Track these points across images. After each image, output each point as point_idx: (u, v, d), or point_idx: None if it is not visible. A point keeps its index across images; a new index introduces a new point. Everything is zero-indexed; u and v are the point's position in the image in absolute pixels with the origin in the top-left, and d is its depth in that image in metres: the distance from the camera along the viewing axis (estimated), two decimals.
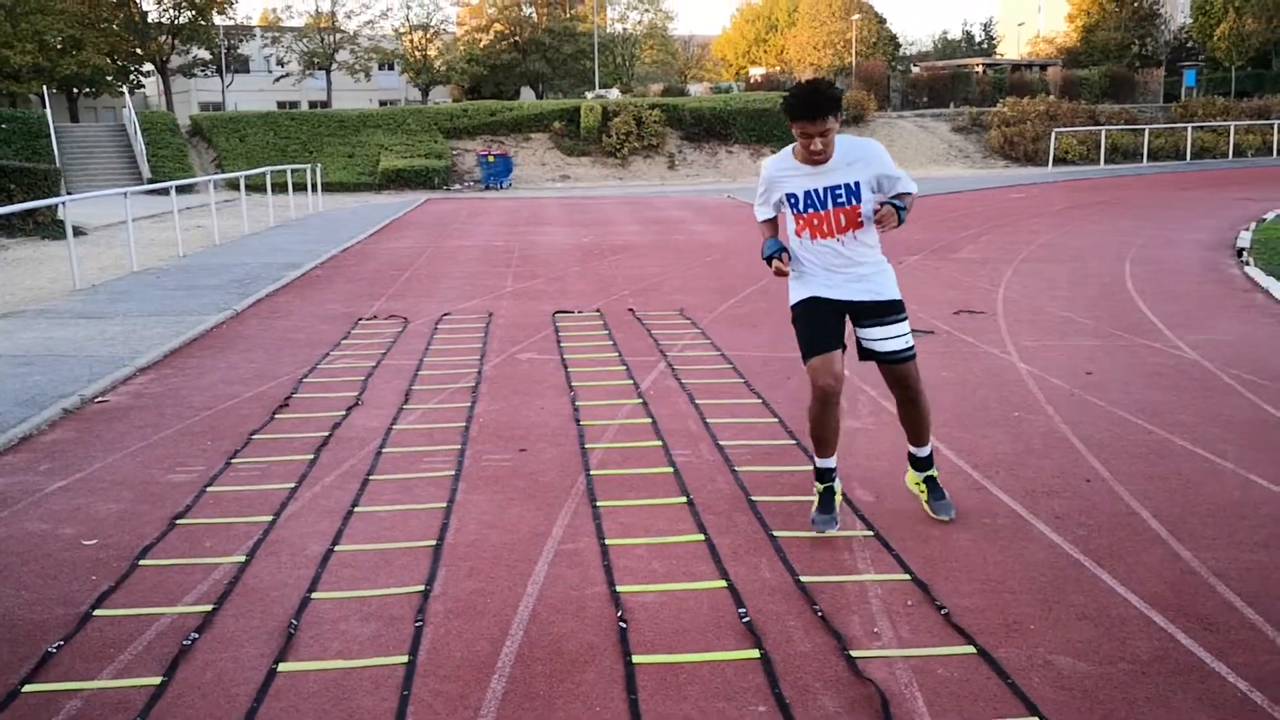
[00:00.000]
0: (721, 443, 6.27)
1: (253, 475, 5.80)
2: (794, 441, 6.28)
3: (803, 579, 4.37)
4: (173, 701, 3.48)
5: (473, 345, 9.28)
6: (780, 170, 4.72)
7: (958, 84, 51.14)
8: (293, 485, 5.60)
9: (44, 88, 40.46)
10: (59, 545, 4.84)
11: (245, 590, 4.34)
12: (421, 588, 4.32)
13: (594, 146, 40.74)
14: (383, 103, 62.51)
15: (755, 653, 3.76)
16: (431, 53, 60.43)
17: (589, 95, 48.12)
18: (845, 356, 4.75)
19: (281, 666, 3.70)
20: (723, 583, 4.35)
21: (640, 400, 7.28)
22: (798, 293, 4.83)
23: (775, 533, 4.86)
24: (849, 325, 4.81)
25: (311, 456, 6.10)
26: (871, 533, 4.86)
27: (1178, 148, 41.24)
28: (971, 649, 3.76)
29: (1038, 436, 6.34)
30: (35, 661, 3.75)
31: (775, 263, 4.71)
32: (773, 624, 3.99)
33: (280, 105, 62.17)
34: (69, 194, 21.17)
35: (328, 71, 59.24)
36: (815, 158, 4.52)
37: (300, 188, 26.66)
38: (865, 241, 4.71)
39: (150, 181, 30.57)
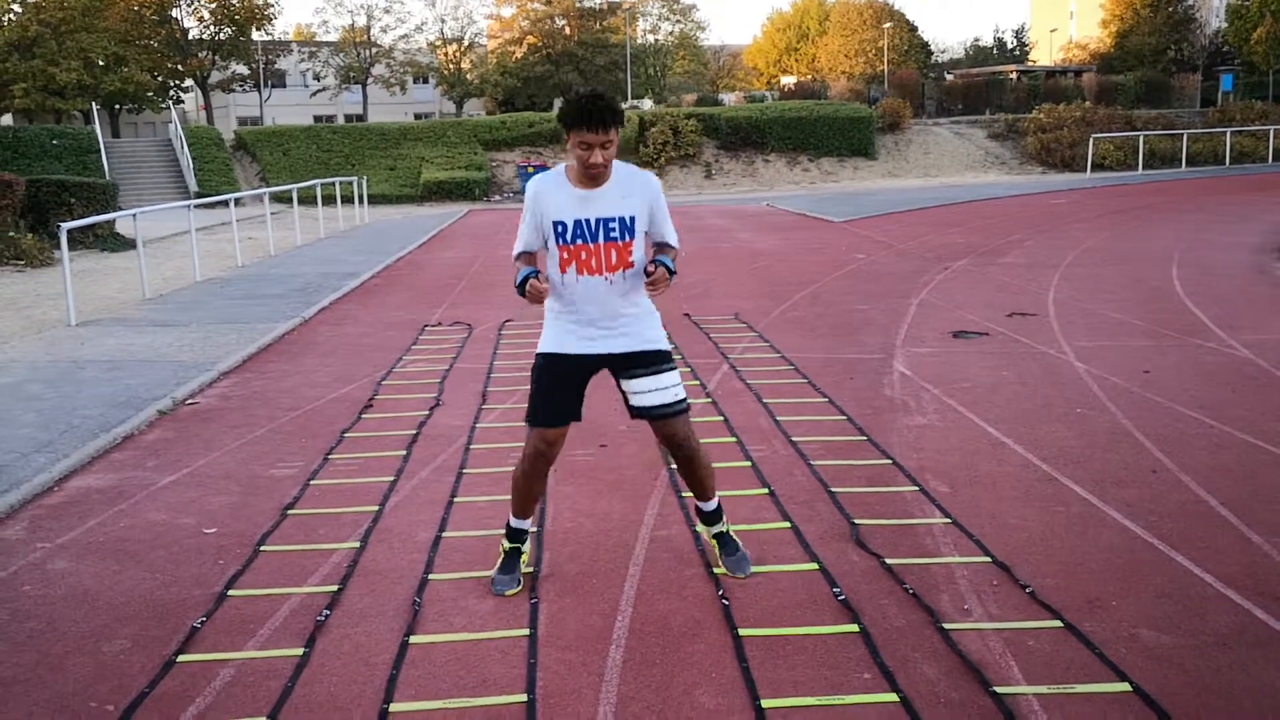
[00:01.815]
0: (794, 439, 6.50)
1: (351, 469, 6.10)
2: (865, 438, 6.50)
3: (889, 562, 4.60)
4: (317, 670, 3.76)
5: None
6: (550, 191, 4.20)
7: (992, 91, 51.19)
8: (391, 479, 5.89)
9: (91, 104, 41.16)
10: (182, 533, 5.14)
11: (365, 572, 4.62)
12: (530, 569, 4.58)
13: (631, 157, 41.00)
14: (418, 115, 63.14)
15: (854, 627, 3.99)
16: (465, 66, 61.09)
17: (623, 106, 48.53)
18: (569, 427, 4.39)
19: (412, 639, 3.97)
20: (814, 565, 4.59)
21: (709, 399, 7.53)
22: (546, 341, 4.37)
23: (856, 521, 5.09)
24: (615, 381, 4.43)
25: (404, 452, 6.39)
26: (949, 520, 5.09)
27: (1216, 153, 41.14)
28: (1059, 623, 3.99)
29: (1102, 432, 6.54)
30: (184, 635, 4.04)
31: (531, 281, 4.08)
32: (867, 602, 4.22)
33: (317, 119, 62.94)
34: (121, 208, 21.67)
35: (364, 85, 60.00)
36: (594, 172, 4.05)
37: (346, 200, 27.09)
38: (634, 284, 4.25)
39: (197, 195, 31.11)
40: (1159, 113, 46.01)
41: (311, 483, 5.88)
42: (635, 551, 4.79)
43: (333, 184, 25.81)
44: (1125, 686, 3.52)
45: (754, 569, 4.54)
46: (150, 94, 49.40)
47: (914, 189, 34.25)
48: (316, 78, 62.30)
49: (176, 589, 4.49)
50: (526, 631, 4.00)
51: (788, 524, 5.09)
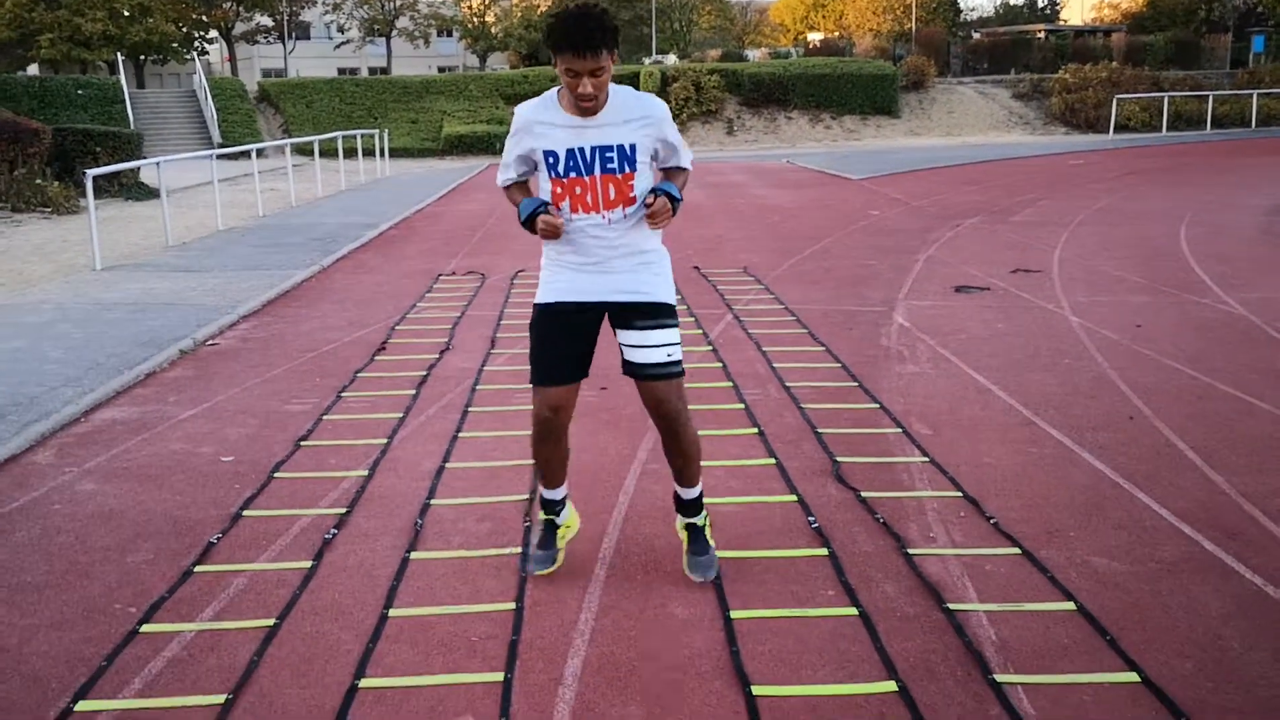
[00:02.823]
0: (788, 384, 6.76)
1: (363, 406, 6.40)
2: (856, 383, 6.75)
3: (864, 495, 4.87)
4: (324, 580, 4.06)
5: None
6: (538, 118, 3.77)
7: (1019, 50, 50.78)
8: (400, 415, 6.19)
9: (116, 55, 41.45)
10: (201, 461, 5.46)
11: (371, 498, 4.92)
12: (525, 496, 4.88)
13: None
14: (441, 69, 63.16)
15: (824, 551, 4.27)
16: (489, 19, 60.96)
17: (647, 61, 48.43)
18: (578, 387, 4.05)
19: (413, 555, 4.27)
20: (793, 497, 4.86)
21: (711, 347, 7.78)
22: (543, 291, 3.96)
23: (839, 459, 5.35)
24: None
25: (413, 392, 6.68)
26: (928, 459, 5.35)
27: (1243, 114, 40.81)
28: (1017, 550, 4.25)
29: (1086, 381, 6.77)
30: (201, 549, 4.36)
31: (543, 217, 3.73)
32: (839, 530, 4.49)
33: (341, 72, 63.09)
34: (145, 158, 21.98)
35: (388, 38, 60.03)
36: (584, 104, 3.60)
37: (368, 153, 27.32)
38: (636, 223, 3.85)
39: (221, 146, 31.40)
40: (1187, 74, 45.60)
41: (325, 417, 6.18)
42: (626, 482, 5.08)
43: (354, 136, 26.04)
44: (1070, 606, 3.79)
45: (737, 500, 4.81)
46: (175, 45, 49.65)
47: (935, 148, 34.22)
48: (340, 30, 62.33)
49: (195, 509, 4.80)
50: (519, 549, 4.30)
51: (773, 460, 5.36)
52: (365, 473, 5.24)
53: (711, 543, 4.10)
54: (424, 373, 7.14)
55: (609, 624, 3.70)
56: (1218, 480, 4.99)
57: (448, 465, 5.34)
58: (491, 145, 36.25)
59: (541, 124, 3.75)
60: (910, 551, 4.25)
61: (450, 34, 65.21)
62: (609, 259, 3.85)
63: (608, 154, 3.73)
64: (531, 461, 5.25)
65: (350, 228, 15.02)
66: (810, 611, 3.78)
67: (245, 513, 4.74)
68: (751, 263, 11.73)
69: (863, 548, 4.31)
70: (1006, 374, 6.93)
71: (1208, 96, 40.60)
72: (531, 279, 10.74)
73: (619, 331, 3.96)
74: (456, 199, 20.42)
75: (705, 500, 4.68)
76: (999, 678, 3.32)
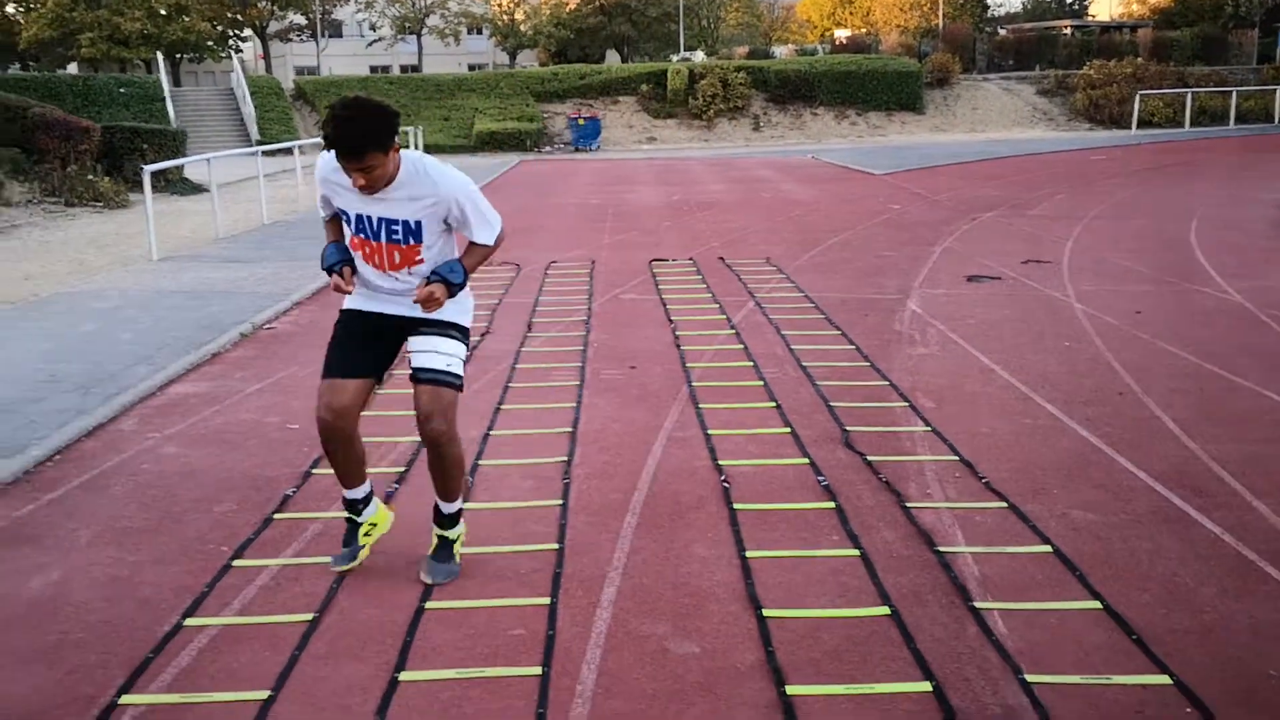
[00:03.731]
0: (805, 364, 7.27)
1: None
2: (868, 363, 7.26)
3: (870, 458, 5.38)
4: (390, 529, 4.62)
5: (580, 287, 10.36)
6: (333, 177, 3.86)
7: (1044, 46, 50.91)
8: None
9: (156, 54, 42.31)
10: (270, 428, 6.04)
11: (426, 459, 5.47)
12: (564, 459, 5.42)
13: (680, 109, 41.55)
14: (471, 67, 63.80)
15: (831, 504, 4.79)
16: (519, 17, 61.54)
17: (674, 58, 48.92)
18: (372, 390, 4.16)
19: (466, 506, 4.80)
20: (805, 460, 5.38)
21: (733, 331, 8.31)
22: (347, 301, 4.12)
23: (848, 428, 5.87)
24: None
25: None
26: (929, 428, 5.86)
27: (1268, 110, 40.86)
28: (1004, 504, 4.77)
29: (1083, 361, 7.25)
30: (279, 501, 4.93)
31: (334, 277, 3.91)
32: (846, 487, 5.01)
33: (372, 69, 63.92)
34: (188, 154, 22.67)
35: (418, 36, 60.72)
36: (364, 192, 3.73)
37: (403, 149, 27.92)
38: (426, 275, 3.94)
39: (259, 143, 32.11)
40: (1213, 69, 45.63)
41: (377, 391, 6.73)
42: (654, 447, 5.61)
43: None
44: (1047, 549, 4.30)
45: (754, 462, 5.33)
46: (211, 43, 50.52)
47: (958, 143, 34.56)
48: (373, 28, 63.09)
49: (270, 468, 5.37)
50: (559, 502, 4.84)
51: (788, 429, 5.88)
52: (419, 438, 5.78)
53: (457, 558, 4.17)
54: (466, 354, 7.69)
55: (639, 561, 4.24)
56: (1193, 447, 5.48)
57: (492, 433, 5.89)
58: (522, 142, 36.84)
59: (333, 182, 3.86)
60: (908, 505, 4.77)
61: (480, 31, 65.81)
62: (403, 298, 4.00)
63: (393, 226, 3.83)
64: (569, 429, 5.85)
65: None
66: (816, 552, 4.30)
67: (314, 471, 5.31)
68: (774, 254, 12.23)
69: (866, 502, 4.83)
70: (1009, 355, 7.42)
71: (1231, 92, 40.69)
72: (561, 269, 11.31)
73: (410, 339, 4.05)
74: (489, 194, 20.63)
75: (723, 462, 5.25)
76: (978, 604, 3.84)
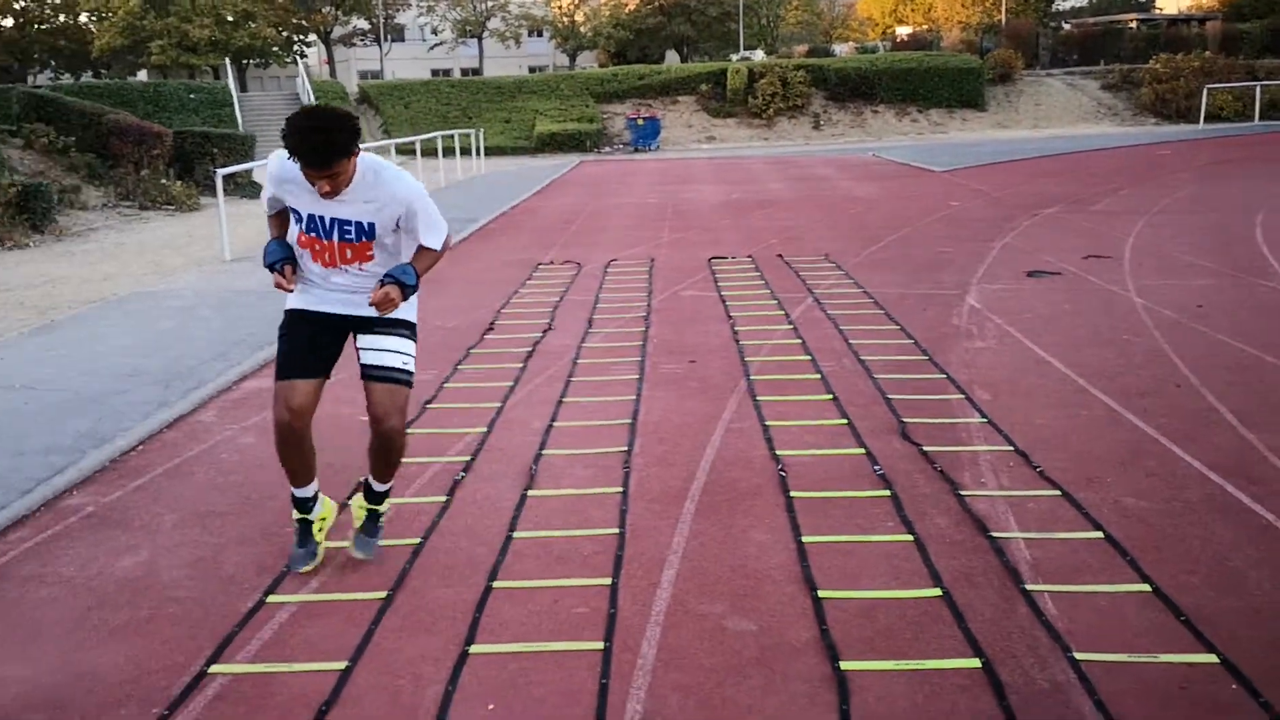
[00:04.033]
0: (862, 357, 7.36)
1: (478, 376, 7.16)
2: (925, 357, 7.33)
3: (925, 448, 5.48)
4: (457, 510, 4.81)
5: (640, 284, 10.52)
6: (288, 176, 3.90)
7: (1110, 41, 50.29)
8: (511, 384, 6.94)
9: (225, 60, 43.18)
10: (342, 419, 6.25)
11: (492, 449, 5.67)
12: (625, 448, 5.58)
13: (739, 108, 41.63)
14: (532, 69, 64.33)
15: (886, 492, 4.90)
16: (579, 19, 61.91)
17: (734, 57, 48.97)
18: (320, 387, 4.19)
19: (530, 493, 5.00)
20: (862, 450, 5.49)
21: (791, 326, 8.42)
22: (292, 299, 4.15)
23: (905, 419, 5.97)
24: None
25: (521, 365, 7.43)
26: (985, 420, 5.93)
27: None
28: (1058, 492, 4.85)
29: (1140, 354, 7.27)
30: (353, 487, 5.10)
31: (276, 275, 3.98)
32: (901, 477, 5.12)
33: (434, 73, 64.55)
34: (257, 158, 23.19)
35: (479, 39, 61.36)
36: (325, 198, 3.82)
37: (465, 152, 28.32)
38: (376, 272, 4.04)
39: None
40: None
41: (445, 385, 6.96)
42: (713, 438, 5.75)
43: (452, 136, 27.06)
44: (1099, 535, 4.38)
45: (811, 452, 5.45)
46: (276, 49, 51.44)
47: (1020, 140, 34.28)
48: (434, 31, 63.82)
49: (344, 456, 5.57)
50: (620, 489, 5.00)
51: (845, 421, 5.99)
52: (484, 429, 5.99)
53: (381, 528, 4.35)
54: (529, 349, 7.89)
55: (698, 545, 4.38)
56: (1250, 437, 5.51)
57: (555, 424, 6.07)
58: (582, 144, 37.15)
59: (290, 183, 3.91)
60: (962, 493, 4.87)
61: (541, 34, 66.33)
62: (350, 296, 4.08)
63: (346, 226, 3.91)
64: (628, 421, 6.01)
65: (454, 223, 15.75)
66: (871, 537, 4.42)
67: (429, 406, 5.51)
68: (833, 250, 12.30)
69: (920, 490, 4.94)
70: (1066, 349, 7.46)
71: None
72: (621, 267, 11.48)
73: (359, 338, 4.13)
74: (551, 194, 21.25)
75: (781, 452, 5.38)
76: (1029, 586, 3.94)
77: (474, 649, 3.60)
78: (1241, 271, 10.20)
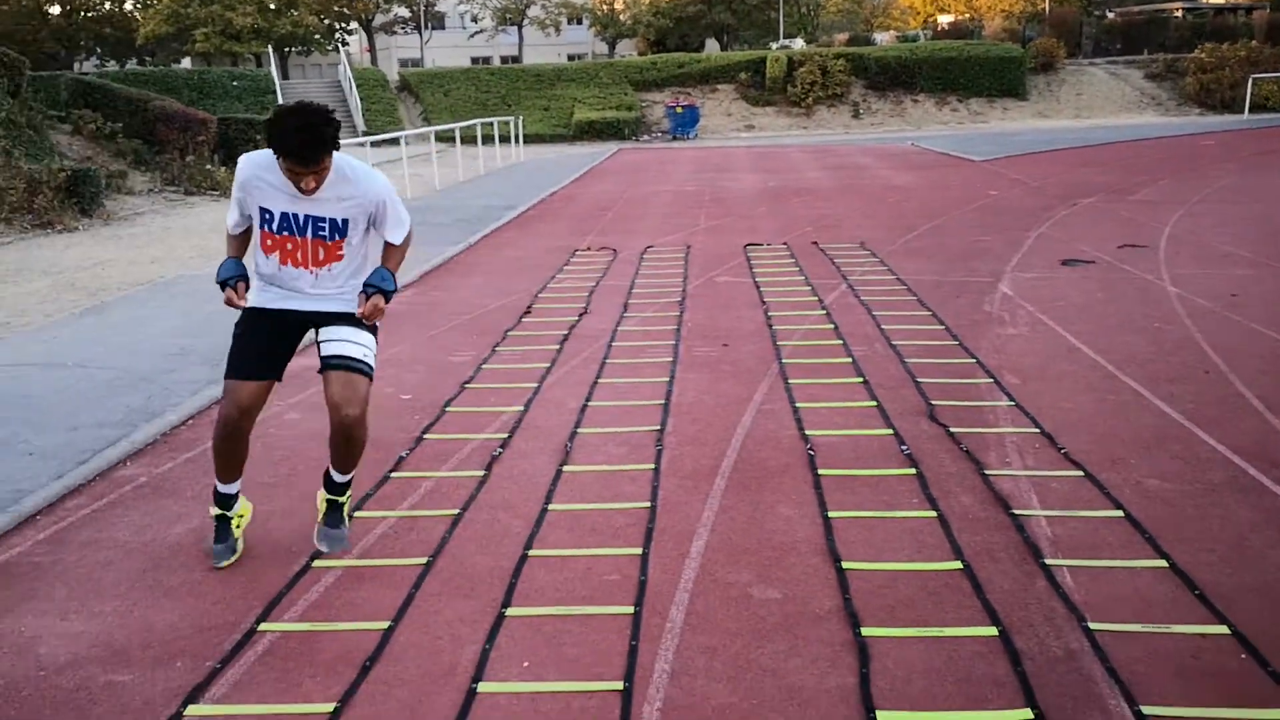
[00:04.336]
0: (894, 343, 7.46)
1: (515, 358, 7.33)
2: (956, 342, 7.43)
3: (953, 430, 5.59)
4: (495, 484, 4.98)
5: (675, 270, 10.65)
6: (260, 175, 3.94)
7: (1154, 30, 49.74)
8: (547, 365, 7.10)
9: (268, 47, 43.61)
10: (385, 398, 6.43)
11: (528, 427, 5.83)
12: (657, 428, 5.73)
13: (779, 96, 41.57)
14: (571, 57, 64.44)
15: (912, 470, 5.02)
16: (619, 6, 61.95)
17: (774, 46, 48.88)
18: (269, 388, 4.16)
19: (565, 468, 5.16)
20: (890, 431, 5.61)
21: (824, 311, 8.52)
22: (251, 298, 4.15)
23: (934, 402, 6.07)
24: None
25: (557, 347, 7.59)
26: (1013, 403, 6.03)
27: None
28: (1081, 473, 4.94)
29: (1171, 342, 7.33)
30: (394, 462, 5.31)
31: (228, 291, 4.01)
32: (928, 457, 5.23)
33: (474, 60, 64.77)
34: None
35: (519, 27, 61.57)
36: (305, 193, 3.85)
37: (504, 139, 28.53)
38: (344, 276, 4.11)
39: (365, 134, 32.99)
40: None
41: (484, 366, 7.13)
42: (744, 419, 5.88)
43: (491, 124, 27.27)
44: (1119, 513, 4.48)
45: (840, 432, 5.57)
46: (318, 37, 51.84)
47: (1061, 129, 34.06)
48: (474, 19, 64.09)
49: (385, 433, 5.76)
50: (652, 466, 5.15)
51: (874, 403, 6.10)
52: (521, 408, 6.15)
53: (347, 521, 4.34)
54: (565, 332, 8.05)
55: (726, 519, 4.53)
56: (1276, 423, 5.58)
57: (590, 404, 6.22)
58: (621, 131, 37.25)
59: (262, 181, 3.93)
60: (987, 472, 4.98)
61: (580, 22, 66.42)
62: (314, 295, 4.11)
63: (320, 223, 3.96)
64: (662, 401, 6.15)
65: (492, 209, 16.09)
66: (895, 513, 4.55)
67: (426, 436, 5.70)
68: (868, 238, 12.37)
69: (946, 469, 5.05)
70: (1098, 336, 7.53)
71: None
72: (657, 253, 11.61)
73: (321, 330, 4.14)
74: (588, 182, 21.40)
75: (810, 432, 5.50)
76: (1048, 561, 4.05)
77: (510, 611, 3.77)
78: (1279, 262, 10.19)
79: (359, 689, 3.33)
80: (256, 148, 14.50)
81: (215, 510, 4.29)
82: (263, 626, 3.73)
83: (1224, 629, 3.53)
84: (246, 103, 33.51)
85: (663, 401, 6.21)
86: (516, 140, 28.51)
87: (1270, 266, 9.96)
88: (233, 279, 4.05)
